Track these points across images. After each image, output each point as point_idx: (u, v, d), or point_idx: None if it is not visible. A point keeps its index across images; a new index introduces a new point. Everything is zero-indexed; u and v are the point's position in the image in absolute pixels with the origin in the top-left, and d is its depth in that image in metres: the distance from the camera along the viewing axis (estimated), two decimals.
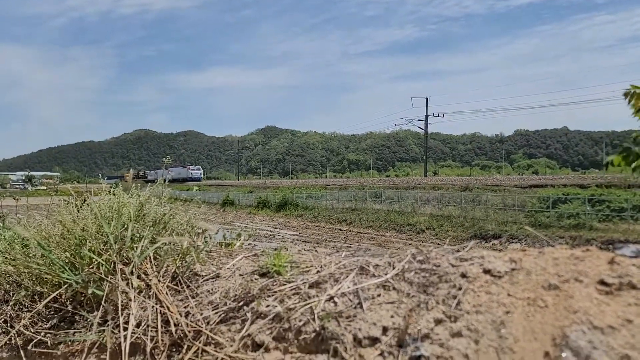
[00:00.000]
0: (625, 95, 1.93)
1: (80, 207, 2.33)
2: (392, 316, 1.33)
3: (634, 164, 1.68)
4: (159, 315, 1.66)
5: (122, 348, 1.56)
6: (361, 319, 1.35)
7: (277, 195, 37.70)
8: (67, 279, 1.86)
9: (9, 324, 2.02)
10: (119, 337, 1.62)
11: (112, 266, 1.90)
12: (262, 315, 1.49)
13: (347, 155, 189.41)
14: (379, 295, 1.43)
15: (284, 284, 1.60)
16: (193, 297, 1.75)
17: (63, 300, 1.97)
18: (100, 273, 1.88)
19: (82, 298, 1.94)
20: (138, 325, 1.65)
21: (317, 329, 1.37)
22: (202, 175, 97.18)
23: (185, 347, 1.52)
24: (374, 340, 1.29)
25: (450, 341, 1.20)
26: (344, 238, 22.41)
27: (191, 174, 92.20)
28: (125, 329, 1.63)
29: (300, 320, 1.42)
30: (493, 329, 1.18)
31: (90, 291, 1.83)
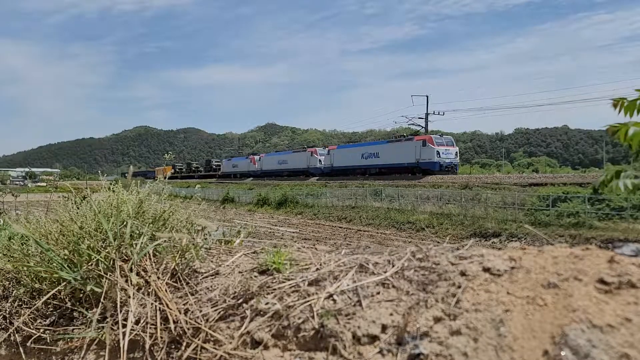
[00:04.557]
0: (614, 105, 1.88)
1: (80, 204, 2.33)
2: (391, 314, 1.33)
3: (628, 186, 1.64)
4: (158, 312, 1.66)
5: (121, 345, 1.56)
6: (360, 317, 1.35)
7: (277, 192, 37.68)
8: (65, 276, 1.86)
9: (8, 321, 2.02)
10: (118, 334, 1.62)
11: (111, 263, 1.90)
12: (261, 312, 1.49)
13: None
14: (378, 293, 1.43)
15: (283, 282, 1.60)
16: (192, 294, 1.75)
17: (62, 297, 1.97)
18: (99, 270, 1.88)
19: (81, 295, 1.94)
20: (137, 322, 1.65)
21: (316, 326, 1.37)
22: (457, 159, 39.19)
23: (184, 344, 1.52)
24: (373, 338, 1.29)
25: (449, 339, 1.19)
26: (344, 236, 22.43)
27: (438, 155, 36.76)
28: (124, 325, 1.63)
29: (299, 318, 1.42)
30: (492, 327, 1.17)
31: (89, 288, 1.83)
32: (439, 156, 36.71)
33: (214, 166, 75.77)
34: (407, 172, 39.04)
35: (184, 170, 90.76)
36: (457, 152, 38.70)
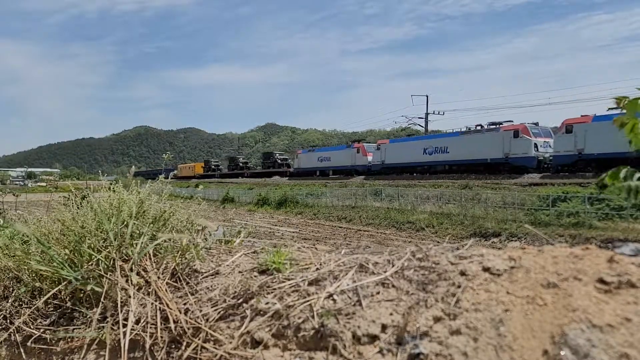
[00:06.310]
0: (617, 104, 1.90)
1: (80, 204, 2.33)
2: (391, 314, 1.33)
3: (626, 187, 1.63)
4: (158, 312, 1.66)
5: (122, 344, 1.56)
6: (360, 317, 1.35)
7: (277, 192, 37.66)
8: (66, 275, 1.86)
9: (8, 320, 2.02)
10: (118, 334, 1.62)
11: (111, 263, 1.90)
12: (261, 312, 1.49)
13: None
14: (378, 293, 1.43)
15: (283, 282, 1.60)
16: (192, 294, 1.75)
17: (62, 297, 1.97)
18: (100, 270, 1.88)
19: (82, 295, 1.94)
20: (137, 321, 1.65)
21: (316, 326, 1.37)
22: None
23: (185, 343, 1.52)
24: (373, 338, 1.30)
25: (449, 339, 1.20)
26: (344, 235, 22.41)
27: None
28: (125, 325, 1.63)
29: (299, 318, 1.42)
30: (492, 327, 1.18)
31: (89, 288, 1.83)
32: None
33: (279, 161, 57.08)
34: None
35: (220, 167, 72.55)
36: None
